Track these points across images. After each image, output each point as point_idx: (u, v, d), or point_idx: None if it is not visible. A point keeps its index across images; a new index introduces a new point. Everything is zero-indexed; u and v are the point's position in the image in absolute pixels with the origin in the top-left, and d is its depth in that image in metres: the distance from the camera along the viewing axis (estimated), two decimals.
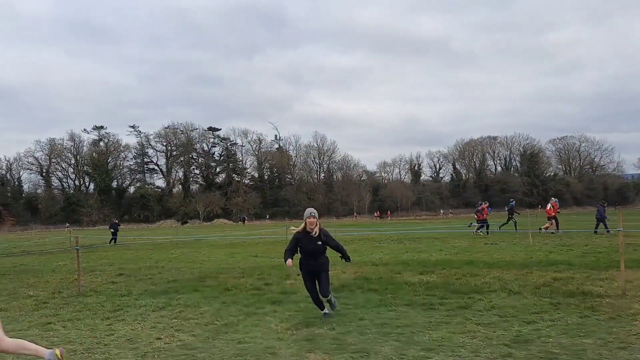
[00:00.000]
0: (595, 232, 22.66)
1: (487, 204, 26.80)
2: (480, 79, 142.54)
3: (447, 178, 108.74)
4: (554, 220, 24.21)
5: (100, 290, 10.84)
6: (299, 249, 7.43)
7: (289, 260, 7.21)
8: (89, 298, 9.98)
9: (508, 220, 28.01)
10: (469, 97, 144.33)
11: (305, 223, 7.28)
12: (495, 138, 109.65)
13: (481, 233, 24.74)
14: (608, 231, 22.32)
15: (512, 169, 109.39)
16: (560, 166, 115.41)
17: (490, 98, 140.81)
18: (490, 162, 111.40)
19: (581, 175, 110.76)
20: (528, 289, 8.88)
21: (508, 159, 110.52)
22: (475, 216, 26.18)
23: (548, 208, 24.64)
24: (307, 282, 7.47)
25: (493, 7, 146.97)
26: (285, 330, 6.83)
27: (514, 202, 32.13)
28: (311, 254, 7.31)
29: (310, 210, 7.42)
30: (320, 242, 7.27)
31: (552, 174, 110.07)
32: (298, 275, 8.93)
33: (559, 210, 25.57)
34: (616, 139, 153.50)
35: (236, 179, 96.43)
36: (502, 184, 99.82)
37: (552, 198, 27.28)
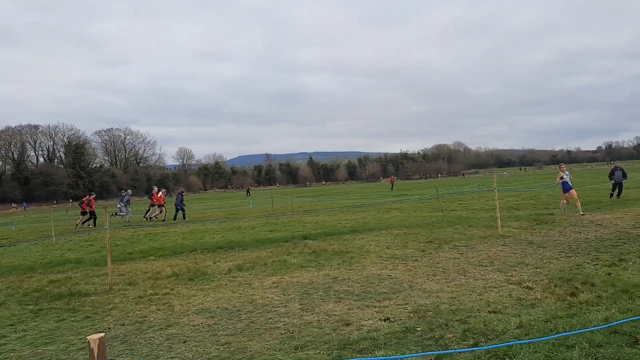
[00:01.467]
0: (175, 219, 24.95)
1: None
2: (24, 59, 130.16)
3: None
4: (163, 208, 26.38)
5: None
6: None
7: None
8: None
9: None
10: (11, 79, 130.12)
11: None
12: (37, 127, 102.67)
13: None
14: (145, 217, 25.76)
15: (56, 160, 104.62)
16: (106, 158, 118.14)
17: (36, 82, 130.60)
18: (32, 153, 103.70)
19: (127, 166, 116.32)
20: (16, 297, 8.33)
21: (52, 149, 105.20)
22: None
23: (159, 196, 26.57)
24: None
25: None
26: None
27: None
28: None
29: None
30: None
31: (98, 165, 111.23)
32: None
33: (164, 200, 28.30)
34: (159, 132, 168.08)
35: None
36: (45, 176, 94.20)
37: (155, 187, 29.19)
